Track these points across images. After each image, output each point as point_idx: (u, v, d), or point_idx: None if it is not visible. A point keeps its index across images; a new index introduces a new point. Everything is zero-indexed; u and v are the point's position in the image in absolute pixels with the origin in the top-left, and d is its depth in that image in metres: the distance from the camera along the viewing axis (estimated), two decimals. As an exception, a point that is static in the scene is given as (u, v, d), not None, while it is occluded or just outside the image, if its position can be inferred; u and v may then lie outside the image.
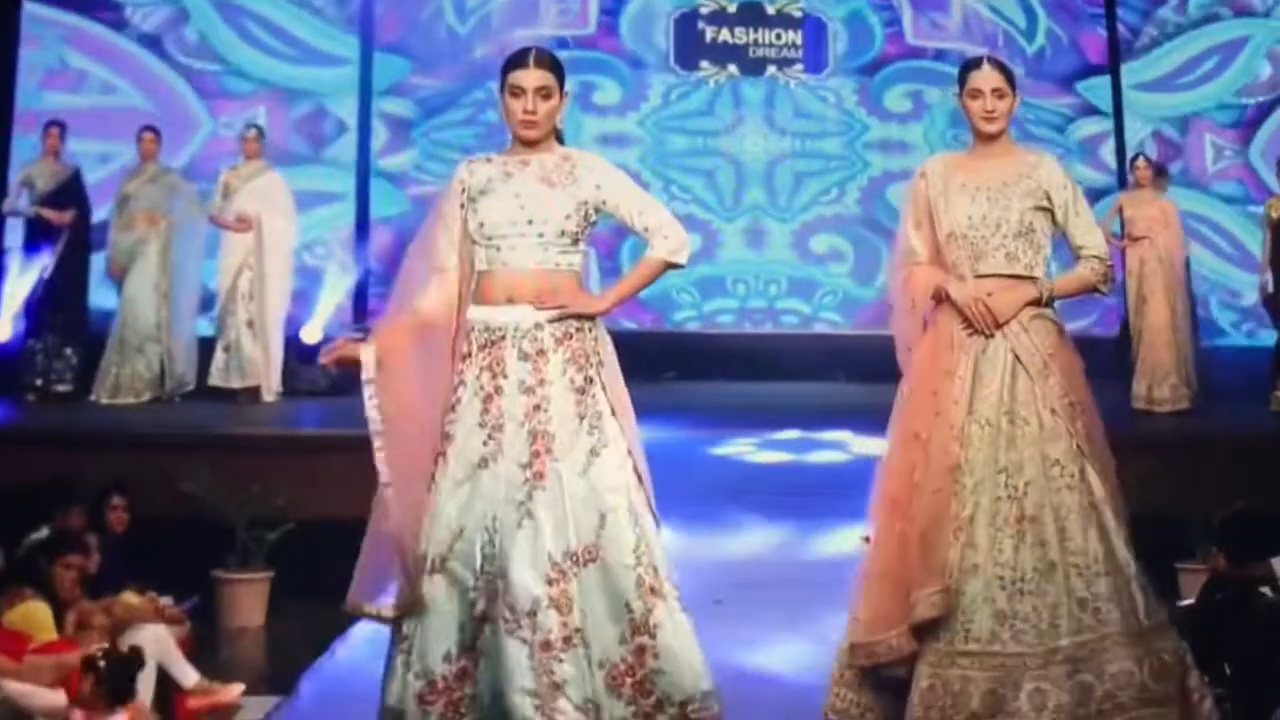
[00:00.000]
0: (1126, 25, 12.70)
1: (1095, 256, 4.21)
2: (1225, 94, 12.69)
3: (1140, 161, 9.59)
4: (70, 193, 9.39)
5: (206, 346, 9.35)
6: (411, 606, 3.69)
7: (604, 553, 3.66)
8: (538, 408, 3.73)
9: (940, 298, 4.18)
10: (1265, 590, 5.82)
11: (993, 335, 4.10)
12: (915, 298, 4.29)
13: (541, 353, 3.77)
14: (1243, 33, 12.77)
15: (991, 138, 4.27)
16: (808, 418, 8.96)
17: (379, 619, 3.76)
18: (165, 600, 5.75)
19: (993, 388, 4.08)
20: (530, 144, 3.90)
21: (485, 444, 3.71)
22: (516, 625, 3.58)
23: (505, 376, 3.74)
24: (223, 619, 6.49)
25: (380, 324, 3.92)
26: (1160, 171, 9.85)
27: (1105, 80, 12.65)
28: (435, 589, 3.67)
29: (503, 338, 3.77)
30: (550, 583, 3.62)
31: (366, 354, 3.72)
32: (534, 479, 3.68)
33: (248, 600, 6.52)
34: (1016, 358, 4.09)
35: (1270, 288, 9.44)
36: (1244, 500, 6.45)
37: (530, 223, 3.80)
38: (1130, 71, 12.62)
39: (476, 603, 3.64)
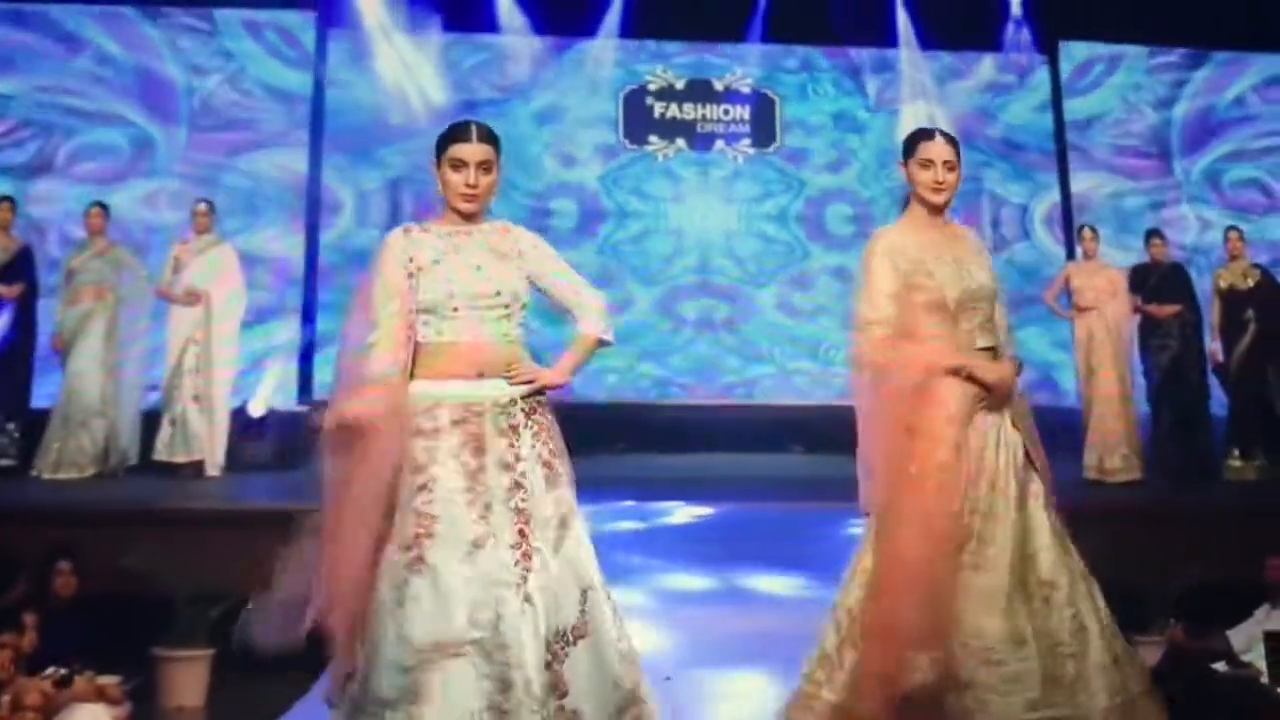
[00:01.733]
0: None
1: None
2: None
3: (1086, 232, 9.62)
4: (17, 268, 9.27)
5: (150, 420, 9.23)
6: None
7: (590, 629, 3.62)
8: (517, 485, 3.67)
9: (957, 375, 4.01)
10: (1221, 665, 5.79)
11: (1001, 412, 4.05)
12: (917, 376, 4.03)
13: (514, 428, 3.73)
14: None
15: (937, 209, 4.20)
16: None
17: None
18: (108, 679, 5.58)
19: (999, 463, 4.01)
20: (468, 216, 3.86)
21: (477, 524, 3.59)
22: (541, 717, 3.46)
23: (486, 453, 3.67)
24: (161, 698, 6.20)
25: (377, 385, 3.69)
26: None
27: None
28: (449, 676, 3.44)
29: (480, 414, 3.70)
30: (548, 666, 3.52)
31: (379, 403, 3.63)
32: (523, 560, 3.59)
33: (188, 679, 6.24)
34: (1013, 430, 4.06)
35: (1220, 356, 9.51)
36: (1200, 571, 6.43)
37: (497, 294, 3.78)
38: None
39: (490, 693, 3.46)
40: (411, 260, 3.77)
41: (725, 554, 7.28)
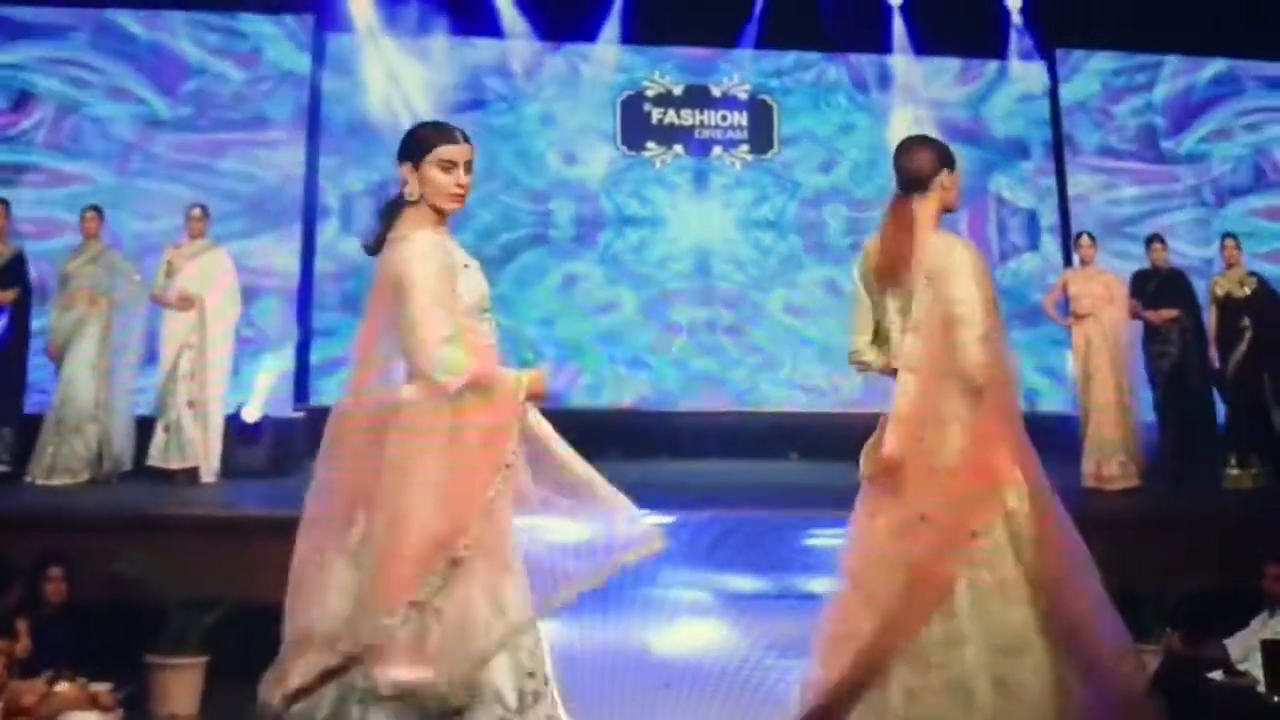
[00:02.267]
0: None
1: None
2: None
3: (1084, 239, 9.63)
4: (12, 273, 9.24)
5: (144, 426, 9.20)
6: None
7: None
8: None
9: None
10: (1217, 675, 5.79)
11: None
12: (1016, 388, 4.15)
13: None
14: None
15: None
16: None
17: None
18: (100, 687, 5.57)
19: None
20: (445, 219, 3.79)
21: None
22: None
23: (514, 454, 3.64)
24: (154, 706, 6.18)
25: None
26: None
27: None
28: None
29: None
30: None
31: None
32: None
33: (180, 686, 6.22)
34: None
35: (1217, 363, 9.50)
36: (1197, 579, 6.42)
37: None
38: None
39: None
40: (452, 265, 3.69)
41: (714, 561, 7.29)
